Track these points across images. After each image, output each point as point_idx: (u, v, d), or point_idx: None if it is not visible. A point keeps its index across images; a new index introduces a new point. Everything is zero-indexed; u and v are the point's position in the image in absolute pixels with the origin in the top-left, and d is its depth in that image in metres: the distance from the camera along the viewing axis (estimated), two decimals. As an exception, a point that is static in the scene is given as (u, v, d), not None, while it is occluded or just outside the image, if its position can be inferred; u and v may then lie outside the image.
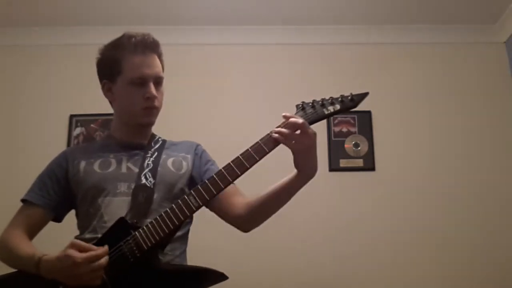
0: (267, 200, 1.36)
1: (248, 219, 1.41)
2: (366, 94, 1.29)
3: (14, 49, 2.97)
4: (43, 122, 2.85)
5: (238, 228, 1.44)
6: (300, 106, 1.29)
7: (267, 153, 1.24)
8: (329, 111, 1.27)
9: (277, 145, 1.24)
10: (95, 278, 1.15)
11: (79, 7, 2.76)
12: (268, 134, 1.24)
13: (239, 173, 1.23)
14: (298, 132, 1.22)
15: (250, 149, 1.23)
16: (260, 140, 1.24)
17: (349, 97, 1.27)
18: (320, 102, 1.28)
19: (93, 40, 2.71)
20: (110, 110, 1.54)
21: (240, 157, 1.23)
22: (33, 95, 2.90)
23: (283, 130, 1.22)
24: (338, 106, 1.27)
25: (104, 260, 1.15)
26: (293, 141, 1.23)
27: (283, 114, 1.24)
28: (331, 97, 1.28)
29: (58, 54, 2.96)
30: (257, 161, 1.23)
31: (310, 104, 1.28)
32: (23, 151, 2.79)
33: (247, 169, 1.23)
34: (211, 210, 1.46)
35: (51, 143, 2.75)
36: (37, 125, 2.85)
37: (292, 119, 1.22)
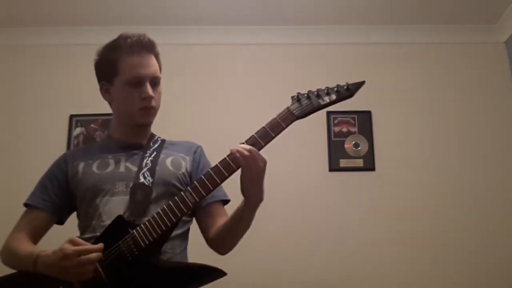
0: (229, 227, 1.36)
1: (216, 244, 1.41)
2: (362, 83, 1.27)
3: (14, 49, 2.97)
4: (43, 122, 2.85)
5: (214, 251, 1.44)
6: (296, 97, 1.27)
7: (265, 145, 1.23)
8: (325, 102, 1.25)
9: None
10: (83, 273, 1.15)
11: (79, 7, 2.77)
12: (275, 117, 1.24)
13: (235, 167, 1.21)
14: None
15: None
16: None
17: (345, 87, 1.26)
18: (316, 93, 1.27)
19: (93, 40, 2.71)
20: (110, 110, 1.55)
21: None
22: (33, 95, 2.91)
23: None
24: (334, 96, 1.25)
25: (94, 255, 1.15)
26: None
27: (230, 148, 1.20)
28: (326, 87, 1.27)
29: (58, 54, 2.96)
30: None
31: (306, 95, 1.27)
32: (23, 151, 2.79)
33: None
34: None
35: (51, 143, 2.76)
36: (37, 125, 2.85)
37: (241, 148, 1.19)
